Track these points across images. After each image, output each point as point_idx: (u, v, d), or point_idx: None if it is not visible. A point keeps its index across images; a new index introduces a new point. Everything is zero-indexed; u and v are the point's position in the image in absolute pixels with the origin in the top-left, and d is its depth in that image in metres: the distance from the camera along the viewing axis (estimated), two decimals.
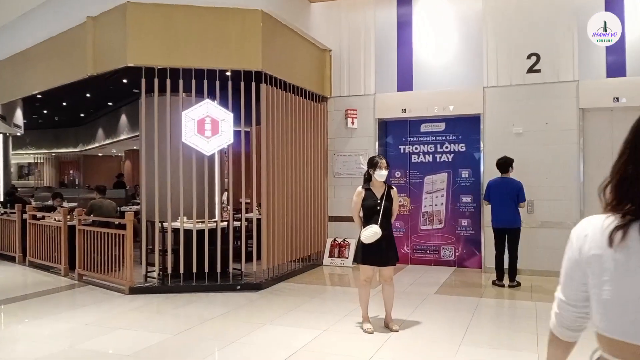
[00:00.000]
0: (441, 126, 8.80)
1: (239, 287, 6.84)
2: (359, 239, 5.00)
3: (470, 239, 8.56)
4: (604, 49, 7.60)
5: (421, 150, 8.91)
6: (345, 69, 9.11)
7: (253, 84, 7.05)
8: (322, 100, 9.07)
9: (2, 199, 11.70)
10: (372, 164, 5.04)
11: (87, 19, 7.31)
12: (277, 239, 7.48)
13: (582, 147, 7.74)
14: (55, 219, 8.29)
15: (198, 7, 6.86)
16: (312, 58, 8.75)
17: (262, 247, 7.15)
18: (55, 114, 18.97)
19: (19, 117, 15.47)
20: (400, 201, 7.39)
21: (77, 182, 22.45)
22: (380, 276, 5.07)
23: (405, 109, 8.70)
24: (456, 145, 8.72)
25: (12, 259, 9.37)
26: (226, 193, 10.02)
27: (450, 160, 8.74)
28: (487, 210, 7.84)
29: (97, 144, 19.88)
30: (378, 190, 5.05)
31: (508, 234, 7.09)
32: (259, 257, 7.20)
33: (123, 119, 17.12)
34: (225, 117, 6.92)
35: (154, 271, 6.98)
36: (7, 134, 14.98)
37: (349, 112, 8.94)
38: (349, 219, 9.01)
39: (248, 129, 8.14)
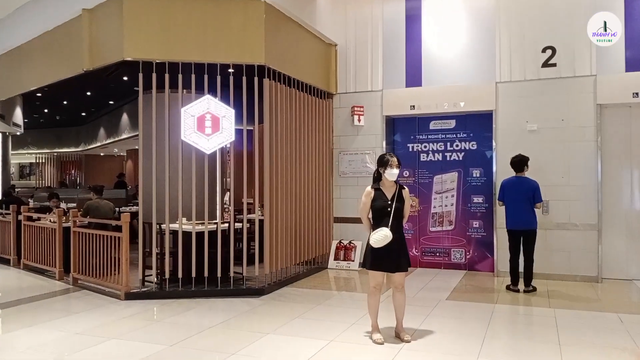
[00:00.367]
0: (451, 123, 8.46)
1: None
2: (368, 242, 4.66)
3: (481, 241, 8.20)
4: (622, 41, 7.24)
5: (430, 149, 8.56)
6: (352, 64, 8.77)
7: (256, 78, 6.72)
8: (328, 96, 8.73)
9: None
10: (383, 162, 4.70)
11: (83, 12, 7.00)
12: (281, 241, 7.14)
13: (599, 145, 7.39)
14: (50, 221, 7.99)
15: None
16: (317, 52, 8.42)
17: (264, 250, 6.82)
18: (57, 113, 18.75)
19: (18, 115, 15.20)
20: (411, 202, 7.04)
21: (78, 183, 22.21)
22: (390, 282, 4.72)
23: (414, 106, 8.35)
24: (467, 143, 8.37)
25: (6, 262, 9.07)
26: (228, 193, 9.73)
27: (460, 159, 8.39)
28: (500, 211, 7.51)
29: (98, 144, 19.65)
30: (388, 191, 4.71)
31: (523, 236, 6.74)
32: (261, 260, 6.87)
33: (124, 117, 16.87)
34: (226, 114, 6.59)
35: (151, 275, 6.65)
36: (7, 133, 14.73)
37: (356, 109, 8.60)
38: (355, 220, 8.73)
39: (250, 128, 7.82)
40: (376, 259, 4.59)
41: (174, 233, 6.65)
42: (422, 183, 8.58)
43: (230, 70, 6.70)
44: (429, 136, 8.58)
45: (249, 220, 7.89)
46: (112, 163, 23.08)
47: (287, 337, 4.86)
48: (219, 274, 6.59)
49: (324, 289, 7.16)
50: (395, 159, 4.68)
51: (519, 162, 6.78)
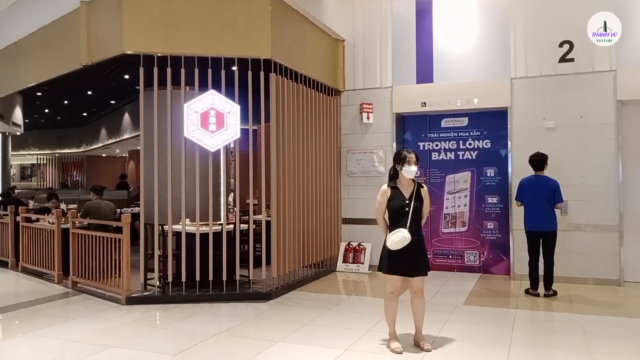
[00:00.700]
0: (464, 121, 8.15)
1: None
2: (384, 244, 4.36)
3: (496, 243, 7.88)
4: None
5: (442, 147, 8.26)
6: (360, 59, 8.47)
7: (262, 73, 6.43)
8: (335, 93, 8.43)
9: None
10: (400, 158, 4.39)
11: (81, 4, 6.71)
12: (288, 243, 6.84)
13: (620, 143, 7.07)
14: (49, 222, 7.71)
15: None
16: (324, 48, 8.12)
17: (271, 252, 6.52)
18: (58, 114, 18.55)
19: (18, 115, 14.97)
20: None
21: (80, 184, 21.97)
22: (409, 288, 4.41)
23: (425, 103, 8.04)
24: (480, 141, 8.06)
25: (4, 265, 8.78)
26: (232, 194, 9.43)
27: (474, 157, 8.08)
28: (516, 212, 7.20)
29: (100, 144, 19.44)
30: (406, 189, 4.40)
31: (543, 238, 6.43)
32: (267, 263, 6.56)
33: (126, 117, 16.64)
34: (231, 110, 6.30)
35: (154, 278, 6.36)
36: (7, 134, 14.48)
37: (364, 106, 8.29)
38: (364, 222, 8.46)
39: (255, 128, 7.53)
40: (393, 263, 4.28)
41: (177, 235, 6.36)
42: (434, 183, 8.27)
43: (235, 65, 6.40)
44: (441, 134, 8.28)
45: (254, 222, 7.58)
46: (114, 164, 22.87)
47: (298, 346, 4.55)
48: (224, 278, 6.29)
49: (333, 293, 6.85)
50: (413, 155, 4.38)
51: (539, 161, 6.46)
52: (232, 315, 5.65)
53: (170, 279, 6.27)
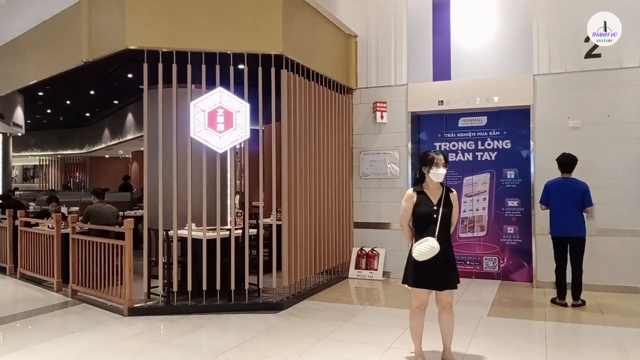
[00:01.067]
0: (482, 120, 7.76)
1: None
2: (410, 254, 3.98)
3: (517, 248, 7.50)
4: None
5: (460, 148, 7.87)
6: (373, 56, 8.09)
7: (273, 69, 6.06)
8: (347, 91, 8.06)
9: None
10: (427, 160, 4.02)
11: None
12: (300, 249, 6.47)
13: None
14: (48, 226, 7.36)
15: None
16: (336, 44, 7.74)
17: (282, 259, 6.14)
18: (60, 114, 18.23)
19: (19, 116, 14.63)
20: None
21: (83, 185, 21.66)
22: (437, 302, 4.04)
23: (442, 101, 7.66)
24: (500, 141, 7.68)
25: (2, 270, 8.44)
26: (238, 196, 9.06)
27: (493, 159, 7.70)
28: (539, 216, 6.82)
29: (103, 145, 19.12)
30: (434, 194, 4.03)
31: (571, 244, 6.04)
32: (277, 269, 6.18)
33: (129, 118, 16.30)
34: (240, 109, 5.93)
35: (158, 287, 5.99)
36: (7, 134, 14.16)
37: (378, 105, 7.92)
38: (377, 226, 8.08)
39: (267, 125, 7.17)
40: (421, 275, 3.90)
41: (183, 240, 6.00)
42: (451, 185, 7.81)
43: (244, 61, 6.04)
44: (458, 134, 7.89)
45: (263, 226, 7.21)
46: (117, 165, 22.56)
47: None
48: (232, 287, 5.92)
49: (347, 302, 6.47)
50: (441, 157, 4.02)
51: (570, 162, 6.07)
52: (241, 328, 5.28)
53: (175, 288, 5.90)
